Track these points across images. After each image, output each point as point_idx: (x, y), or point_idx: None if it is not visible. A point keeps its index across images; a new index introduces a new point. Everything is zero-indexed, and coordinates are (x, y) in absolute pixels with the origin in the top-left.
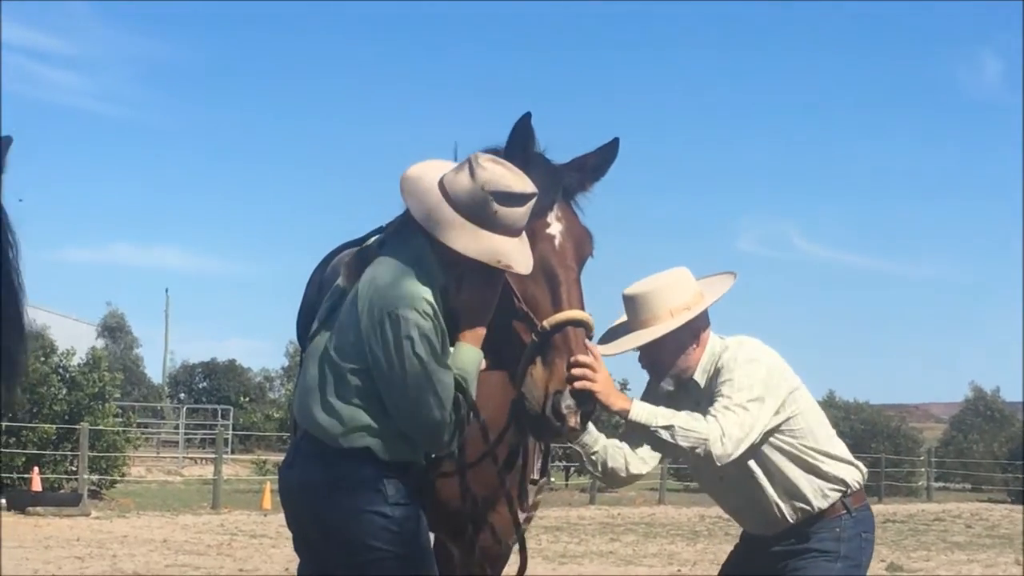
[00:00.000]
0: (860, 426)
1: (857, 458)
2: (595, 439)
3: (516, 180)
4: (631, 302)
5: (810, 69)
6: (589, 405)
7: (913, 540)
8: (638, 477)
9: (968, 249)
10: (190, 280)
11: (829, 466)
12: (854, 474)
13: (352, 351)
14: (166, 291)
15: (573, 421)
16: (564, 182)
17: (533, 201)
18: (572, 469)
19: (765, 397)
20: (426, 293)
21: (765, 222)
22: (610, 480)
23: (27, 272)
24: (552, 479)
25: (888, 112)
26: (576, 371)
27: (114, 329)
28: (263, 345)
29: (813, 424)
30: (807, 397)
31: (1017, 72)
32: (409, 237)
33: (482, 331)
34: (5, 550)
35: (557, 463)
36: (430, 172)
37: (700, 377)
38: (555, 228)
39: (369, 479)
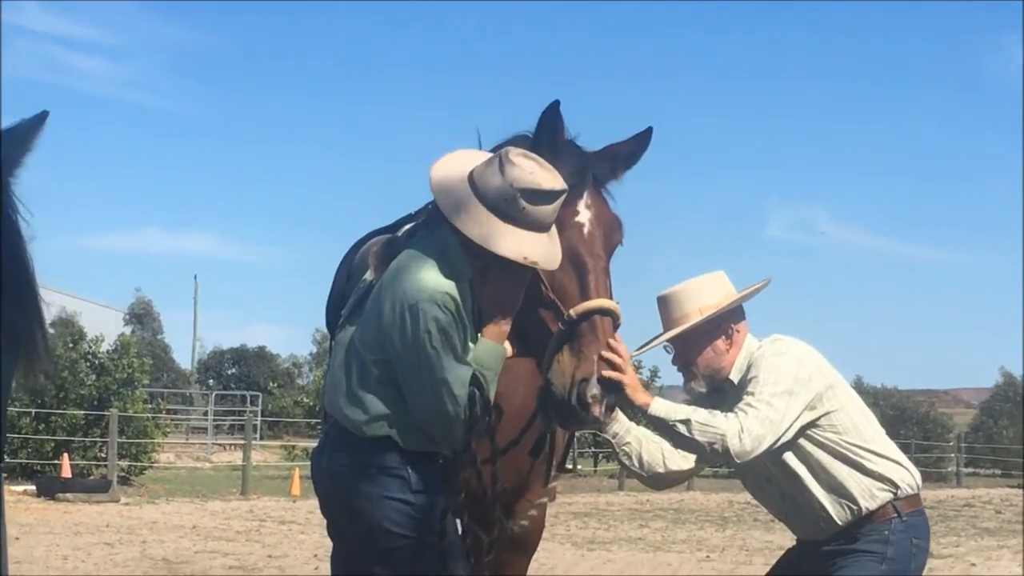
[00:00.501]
0: (889, 412)
1: None
2: (626, 429)
3: (546, 177)
4: (663, 303)
5: (840, 53)
6: (614, 395)
7: (943, 526)
8: (681, 474)
9: (998, 234)
10: (219, 266)
11: (876, 464)
12: (905, 476)
13: (375, 342)
14: (195, 277)
15: (597, 410)
16: (594, 170)
17: (563, 198)
18: (600, 455)
19: (794, 391)
20: (448, 287)
21: (794, 207)
22: (651, 478)
23: (55, 259)
24: (579, 466)
25: (918, 97)
26: (606, 356)
27: (142, 316)
28: (292, 331)
29: (858, 420)
30: (849, 393)
31: None
32: (436, 230)
33: (506, 327)
34: (35, 536)
35: (587, 449)
36: (459, 165)
37: (735, 376)
38: (584, 216)
39: (392, 467)
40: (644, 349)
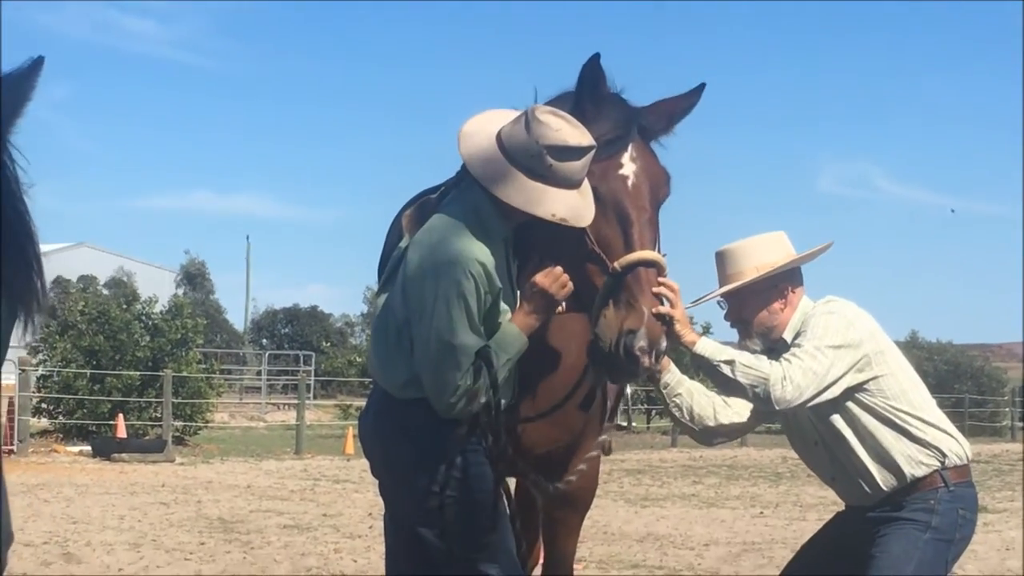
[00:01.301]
0: (943, 367)
1: (940, 399)
2: (678, 381)
3: (572, 133)
4: (720, 258)
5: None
6: (662, 343)
7: (998, 480)
8: (733, 429)
9: None
10: (271, 227)
11: (923, 432)
12: (952, 445)
13: (405, 304)
14: (247, 238)
15: (647, 362)
16: (641, 122)
17: (591, 154)
18: (653, 411)
19: (842, 346)
20: (479, 252)
21: (846, 163)
22: (702, 432)
23: (108, 220)
24: (634, 424)
25: (972, 50)
26: (657, 291)
27: (193, 276)
28: (344, 291)
29: (907, 387)
30: (899, 359)
31: None
32: (467, 190)
33: (535, 322)
34: (92, 496)
35: (640, 406)
36: (488, 125)
37: (788, 336)
38: (628, 168)
39: (432, 427)
40: (698, 302)
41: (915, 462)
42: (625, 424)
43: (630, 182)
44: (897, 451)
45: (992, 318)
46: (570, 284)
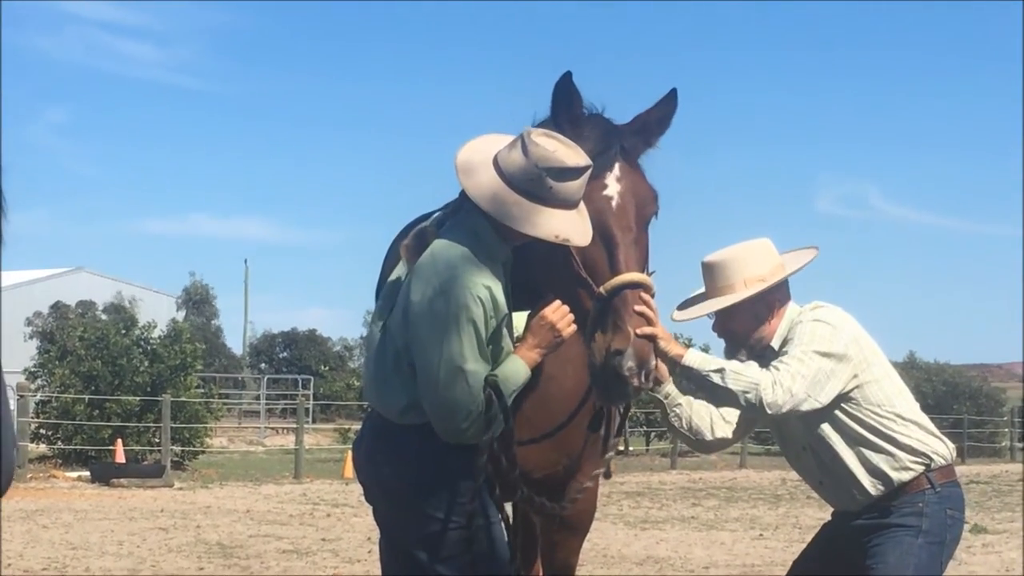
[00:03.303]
0: (942, 387)
1: (939, 419)
2: (678, 392)
3: (570, 154)
4: (708, 270)
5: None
6: (651, 363)
7: (997, 501)
8: (726, 442)
9: None
10: (269, 250)
11: (909, 437)
12: (939, 448)
13: (407, 329)
14: (245, 262)
15: (636, 382)
16: (623, 141)
17: (588, 173)
18: (653, 434)
19: (830, 353)
20: (484, 277)
21: (844, 182)
22: (697, 443)
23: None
24: (631, 447)
25: (968, 70)
26: (637, 310)
27: (198, 301)
28: (343, 314)
29: (891, 394)
30: (885, 366)
31: None
32: (467, 216)
33: (538, 357)
34: (91, 522)
35: (639, 428)
36: (484, 149)
37: (776, 344)
38: (613, 188)
39: (432, 453)
40: (688, 318)
41: (901, 467)
42: (623, 448)
43: (614, 202)
44: (883, 457)
45: (990, 338)
46: (573, 325)
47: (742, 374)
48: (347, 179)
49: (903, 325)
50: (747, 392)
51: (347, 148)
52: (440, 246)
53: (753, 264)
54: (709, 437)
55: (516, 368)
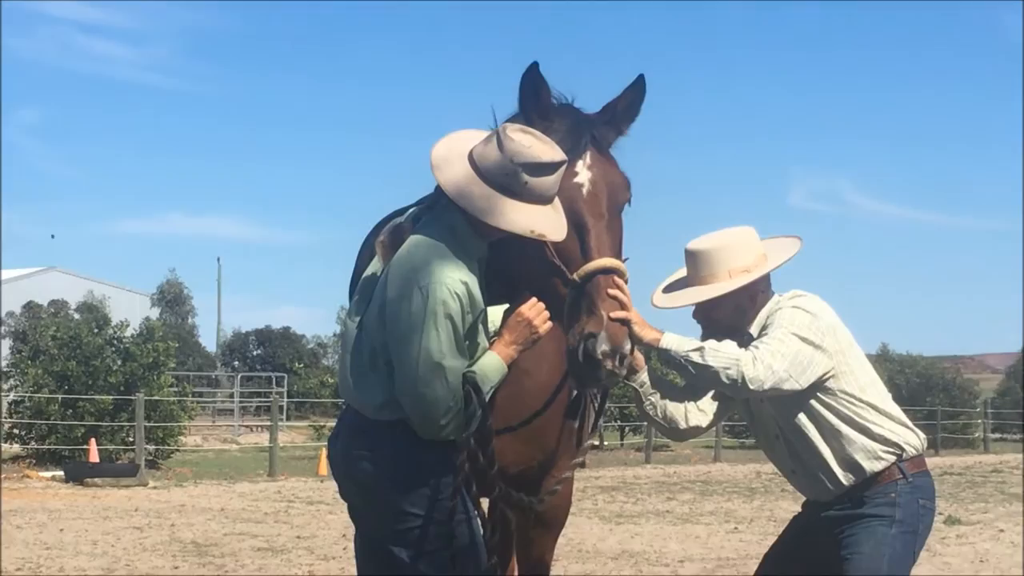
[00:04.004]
0: (915, 379)
1: (912, 411)
2: (652, 381)
3: (545, 149)
4: (692, 257)
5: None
6: (625, 347)
7: (971, 492)
8: (699, 430)
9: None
10: (242, 248)
11: (881, 428)
12: (910, 438)
13: (383, 325)
14: (218, 260)
15: (610, 364)
16: (594, 130)
17: (563, 168)
18: (627, 428)
19: (809, 339)
20: (461, 272)
21: (817, 176)
22: (671, 431)
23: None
24: (605, 442)
25: (941, 64)
26: (611, 293)
27: (172, 300)
28: (316, 312)
29: (865, 383)
30: (859, 357)
31: None
32: (442, 212)
33: (515, 353)
34: (64, 521)
35: (613, 423)
36: (459, 145)
37: (755, 331)
38: (583, 176)
39: (408, 449)
40: (670, 306)
41: (874, 457)
42: (597, 443)
43: (586, 189)
44: (857, 447)
45: (963, 330)
46: (549, 321)
47: (721, 351)
48: (320, 177)
49: (876, 318)
50: (728, 368)
51: (319, 147)
52: (416, 242)
53: (738, 254)
54: (683, 425)
55: (494, 364)
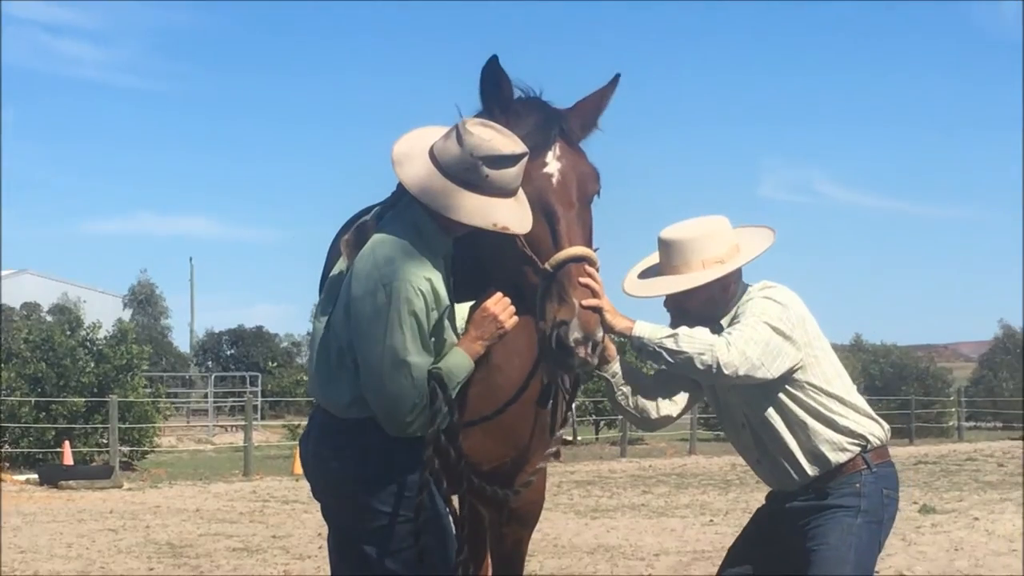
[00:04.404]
0: (889, 369)
1: (886, 400)
2: (626, 371)
3: (505, 142)
4: (665, 246)
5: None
6: (597, 334)
7: (945, 481)
8: (669, 420)
9: (996, 187)
10: (214, 247)
11: (847, 419)
12: (875, 429)
13: (351, 326)
14: (190, 260)
15: (583, 351)
16: (562, 123)
17: (525, 160)
18: (602, 423)
19: (780, 330)
20: (425, 269)
21: (788, 168)
22: (642, 421)
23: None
24: (579, 437)
25: (912, 52)
26: (582, 282)
27: (144, 300)
28: (289, 310)
29: (831, 376)
30: (826, 349)
31: None
32: (406, 209)
33: (481, 348)
34: (39, 525)
35: (588, 417)
36: (420, 142)
37: (725, 322)
38: (553, 167)
39: (377, 447)
40: (643, 295)
41: (839, 449)
42: (570, 438)
43: (555, 179)
44: (822, 439)
45: (937, 319)
46: (516, 316)
47: (695, 337)
48: (291, 174)
49: (850, 308)
50: (702, 354)
51: (291, 144)
52: (380, 240)
53: (712, 245)
54: (655, 415)
55: (459, 360)
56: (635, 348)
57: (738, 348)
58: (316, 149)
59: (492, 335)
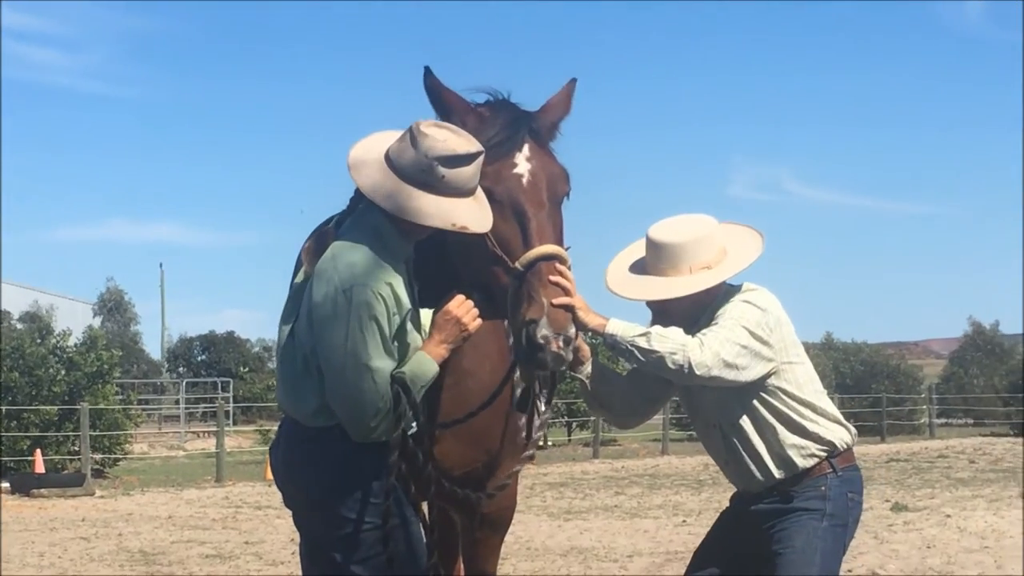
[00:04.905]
0: (860, 367)
1: (857, 398)
2: (599, 372)
3: (459, 141)
4: (654, 248)
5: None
6: (569, 330)
7: (917, 478)
8: (644, 418)
9: (964, 184)
10: (185, 253)
11: (816, 425)
12: (842, 434)
13: (311, 331)
14: (160, 265)
15: (555, 346)
16: (532, 123)
17: (480, 159)
18: (575, 424)
19: (755, 333)
20: (385, 274)
21: (757, 167)
22: (617, 420)
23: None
24: (551, 441)
25: (878, 51)
26: (552, 280)
27: (113, 308)
28: (260, 315)
29: (803, 381)
30: (800, 354)
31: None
32: (364, 215)
33: (445, 352)
34: (11, 534)
35: (560, 419)
36: (376, 146)
37: (704, 321)
38: (523, 167)
39: (345, 455)
40: (629, 297)
41: (808, 455)
42: (542, 444)
43: (525, 179)
44: (790, 444)
45: (907, 317)
46: (479, 318)
47: (668, 336)
48: (261, 179)
49: (820, 306)
50: (674, 354)
51: (261, 148)
52: (339, 247)
53: (701, 250)
54: (629, 414)
55: (423, 364)
56: (607, 346)
57: (712, 349)
58: (286, 153)
59: (456, 338)
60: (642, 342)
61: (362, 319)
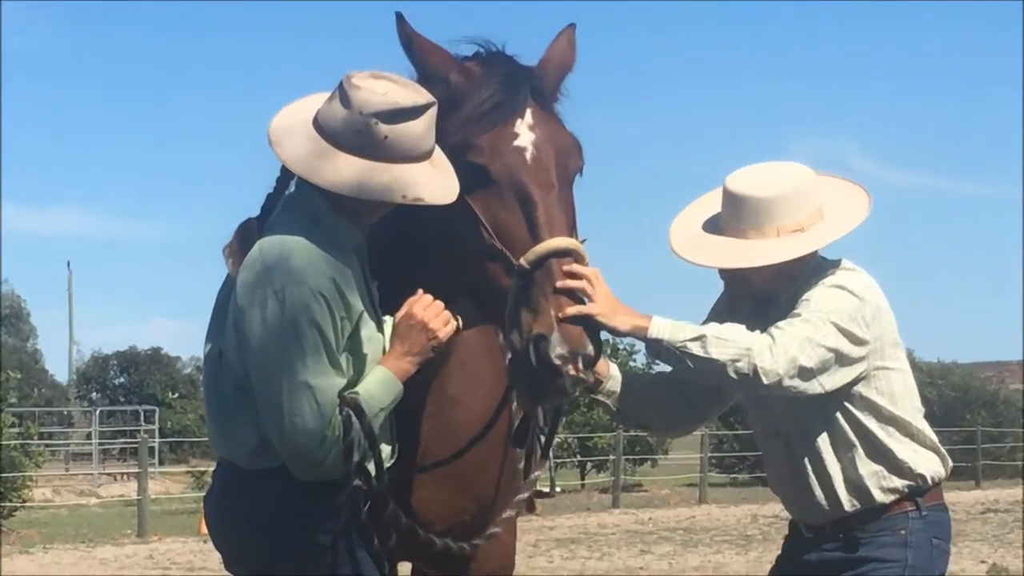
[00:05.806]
0: (950, 392)
1: (946, 433)
2: (623, 386)
3: (403, 92)
4: (734, 201)
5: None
6: (587, 348)
7: (1020, 534)
8: (692, 428)
9: None
10: (97, 248)
11: (906, 452)
12: (935, 466)
13: (243, 349)
14: (68, 264)
15: (573, 370)
16: (533, 81)
17: (431, 112)
18: (589, 465)
19: (848, 330)
20: (328, 268)
21: (818, 139)
22: (657, 431)
23: None
24: (558, 487)
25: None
26: (563, 285)
27: (8, 317)
28: (193, 327)
29: (898, 392)
30: (900, 358)
31: None
32: (297, 197)
33: (410, 367)
34: None
35: (571, 459)
36: (301, 113)
37: (787, 299)
38: (525, 139)
39: (292, 502)
40: (703, 265)
41: (888, 488)
42: (547, 490)
43: (529, 154)
44: (871, 471)
45: (1008, 330)
46: (452, 321)
47: (728, 339)
48: (196, 154)
49: (899, 317)
50: (737, 360)
51: (187, 117)
52: (268, 240)
53: (794, 209)
54: (670, 426)
55: (382, 381)
56: (651, 352)
57: (787, 353)
58: (228, 119)
59: (423, 348)
60: (696, 348)
61: (298, 326)
